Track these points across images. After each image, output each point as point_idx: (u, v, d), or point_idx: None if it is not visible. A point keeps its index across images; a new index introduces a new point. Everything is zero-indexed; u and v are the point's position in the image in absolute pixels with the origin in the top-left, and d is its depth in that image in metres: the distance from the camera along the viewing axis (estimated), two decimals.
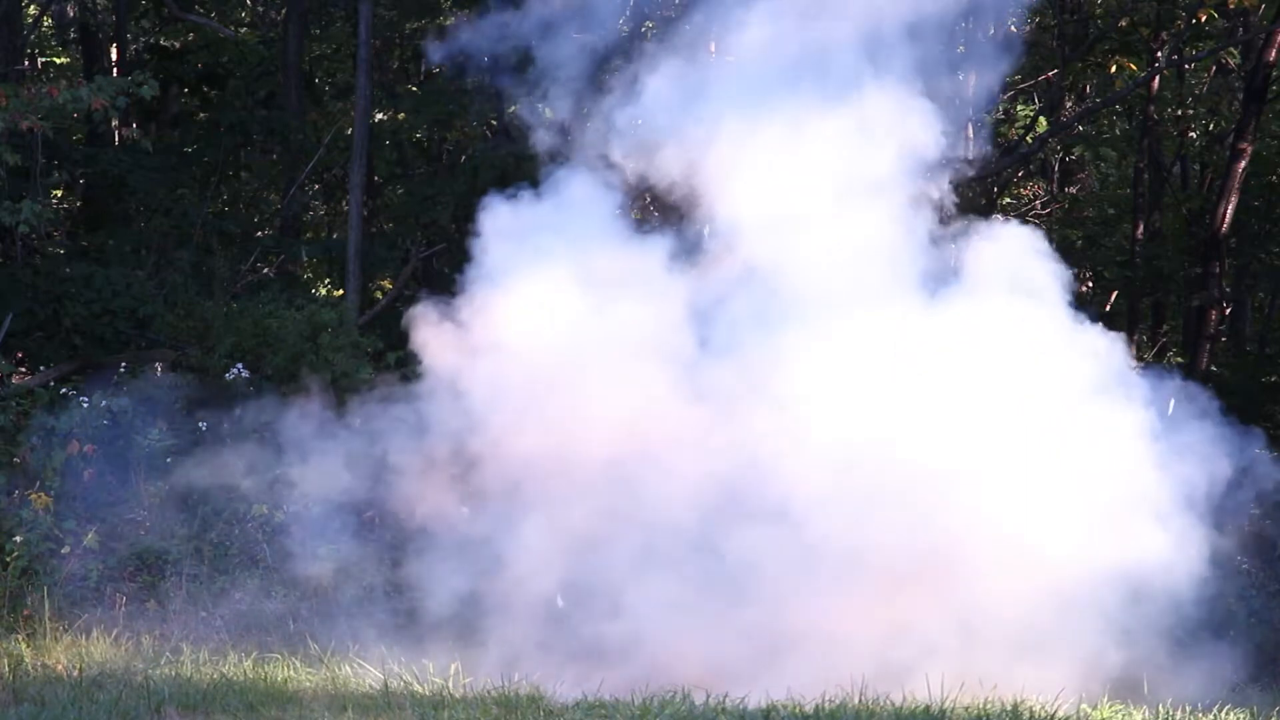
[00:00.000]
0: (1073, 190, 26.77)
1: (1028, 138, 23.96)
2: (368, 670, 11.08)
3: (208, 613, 13.68)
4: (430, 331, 13.32)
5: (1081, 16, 22.96)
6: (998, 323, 11.67)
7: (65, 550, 13.76)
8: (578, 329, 12.54)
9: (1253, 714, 10.54)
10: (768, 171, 12.11)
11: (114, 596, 13.55)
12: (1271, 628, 13.45)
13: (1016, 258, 12.08)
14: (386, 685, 10.11)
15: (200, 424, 15.48)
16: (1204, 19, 19.97)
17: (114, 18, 24.00)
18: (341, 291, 20.40)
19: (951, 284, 12.03)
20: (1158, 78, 22.56)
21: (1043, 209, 25.45)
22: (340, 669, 11.07)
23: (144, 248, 19.55)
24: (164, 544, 14.22)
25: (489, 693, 9.89)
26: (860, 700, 9.64)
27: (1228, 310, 24.32)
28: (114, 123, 21.68)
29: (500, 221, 13.27)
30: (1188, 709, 10.37)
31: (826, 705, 9.49)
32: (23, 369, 16.50)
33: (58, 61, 26.23)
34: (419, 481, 13.93)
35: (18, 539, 13.52)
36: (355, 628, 13.27)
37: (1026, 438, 11.39)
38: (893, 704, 9.65)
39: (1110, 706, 10.25)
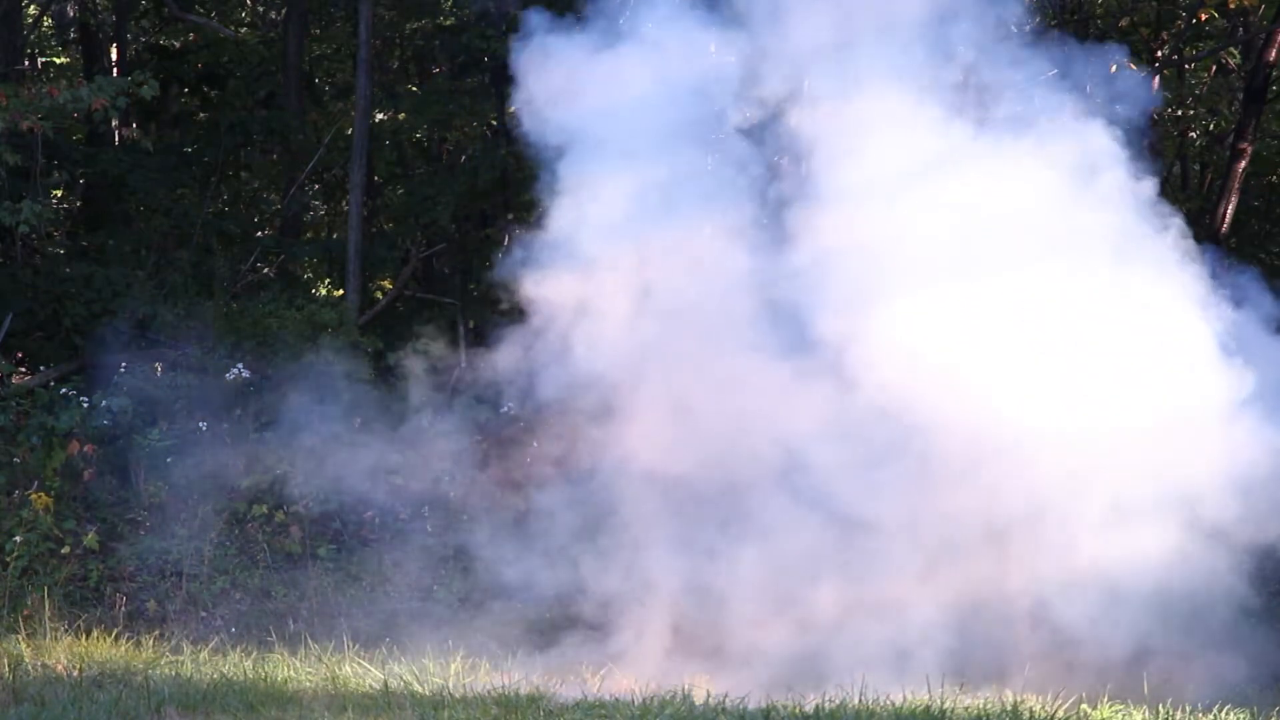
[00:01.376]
0: None
1: None
2: (368, 670, 11.08)
3: (208, 613, 13.70)
4: (539, 284, 13.09)
5: (1082, 16, 22.94)
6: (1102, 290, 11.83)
7: (65, 550, 13.77)
8: (682, 287, 12.57)
9: (1253, 714, 10.54)
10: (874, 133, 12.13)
11: (114, 596, 13.56)
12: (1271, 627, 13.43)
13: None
14: (386, 685, 10.10)
15: (200, 424, 15.49)
16: (1204, 19, 19.96)
17: (114, 18, 23.97)
18: (341, 291, 20.39)
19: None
20: (1158, 78, 22.54)
21: None
22: (340, 669, 11.07)
23: (144, 248, 19.54)
24: (164, 544, 14.24)
25: (489, 693, 9.89)
26: (860, 700, 9.64)
27: None
28: (114, 123, 21.66)
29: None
30: (1188, 709, 10.37)
31: (826, 705, 9.50)
32: (23, 369, 16.50)
33: (58, 61, 26.18)
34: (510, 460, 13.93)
35: (18, 539, 13.54)
36: (439, 623, 13.36)
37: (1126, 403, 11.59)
38: (893, 704, 9.66)
39: (1110, 706, 10.25)
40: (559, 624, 13.41)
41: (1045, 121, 12.37)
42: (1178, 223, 12.49)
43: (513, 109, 22.28)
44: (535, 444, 15.34)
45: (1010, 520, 11.86)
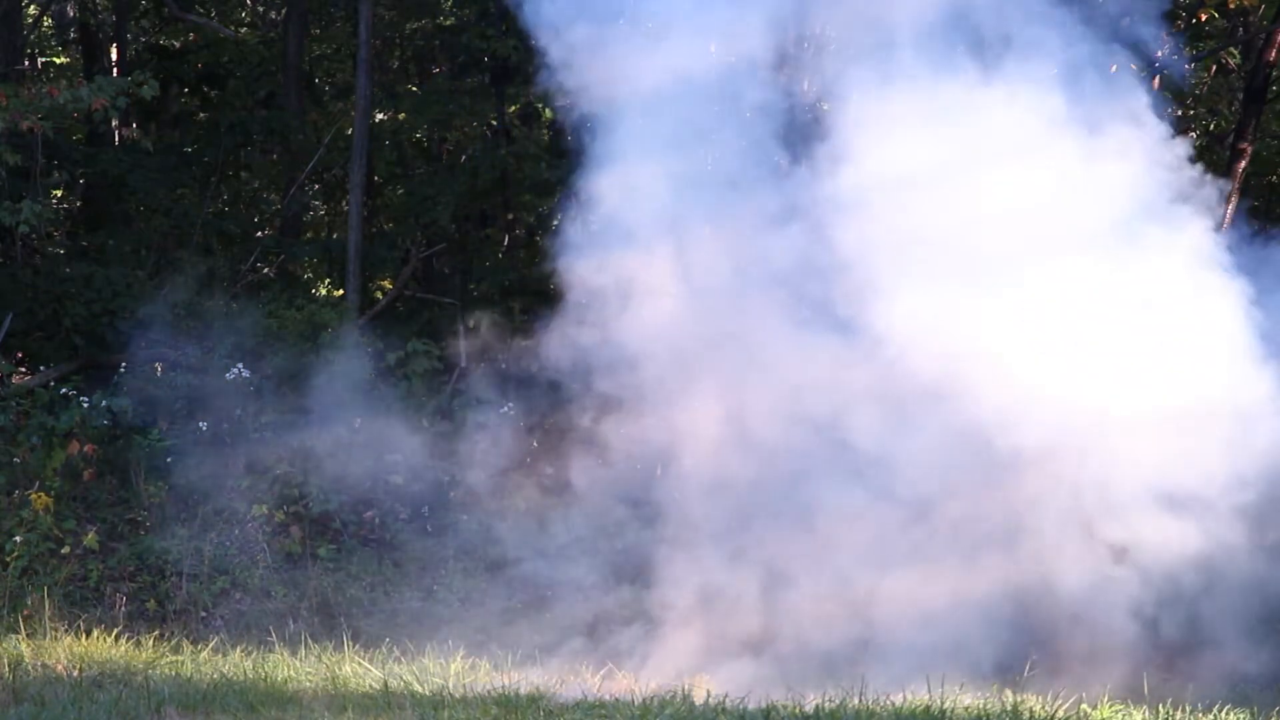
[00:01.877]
0: None
1: None
2: (368, 670, 11.09)
3: (208, 613, 13.70)
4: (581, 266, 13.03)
5: None
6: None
7: (65, 550, 13.77)
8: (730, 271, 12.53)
9: (1253, 714, 10.54)
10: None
11: (114, 596, 13.56)
12: None
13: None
14: (386, 685, 10.10)
15: (200, 424, 15.50)
16: (1204, 19, 19.95)
17: (114, 18, 23.97)
18: (341, 291, 20.39)
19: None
20: (1158, 77, 22.52)
21: None
22: (340, 669, 11.07)
23: (144, 248, 19.55)
24: (164, 544, 14.24)
25: (489, 693, 9.89)
26: (860, 700, 9.63)
27: None
28: (114, 123, 21.66)
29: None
30: (1188, 709, 10.38)
31: (826, 705, 9.49)
32: (23, 369, 16.50)
33: (58, 61, 26.17)
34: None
35: (18, 539, 13.53)
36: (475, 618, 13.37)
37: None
38: (893, 704, 9.66)
39: (1110, 706, 10.25)
40: (575, 623, 13.43)
41: (1083, 101, 12.28)
42: (1213, 191, 12.44)
43: (513, 108, 22.32)
44: (534, 443, 15.35)
45: (1049, 509, 11.88)
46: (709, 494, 12.81)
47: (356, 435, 15.01)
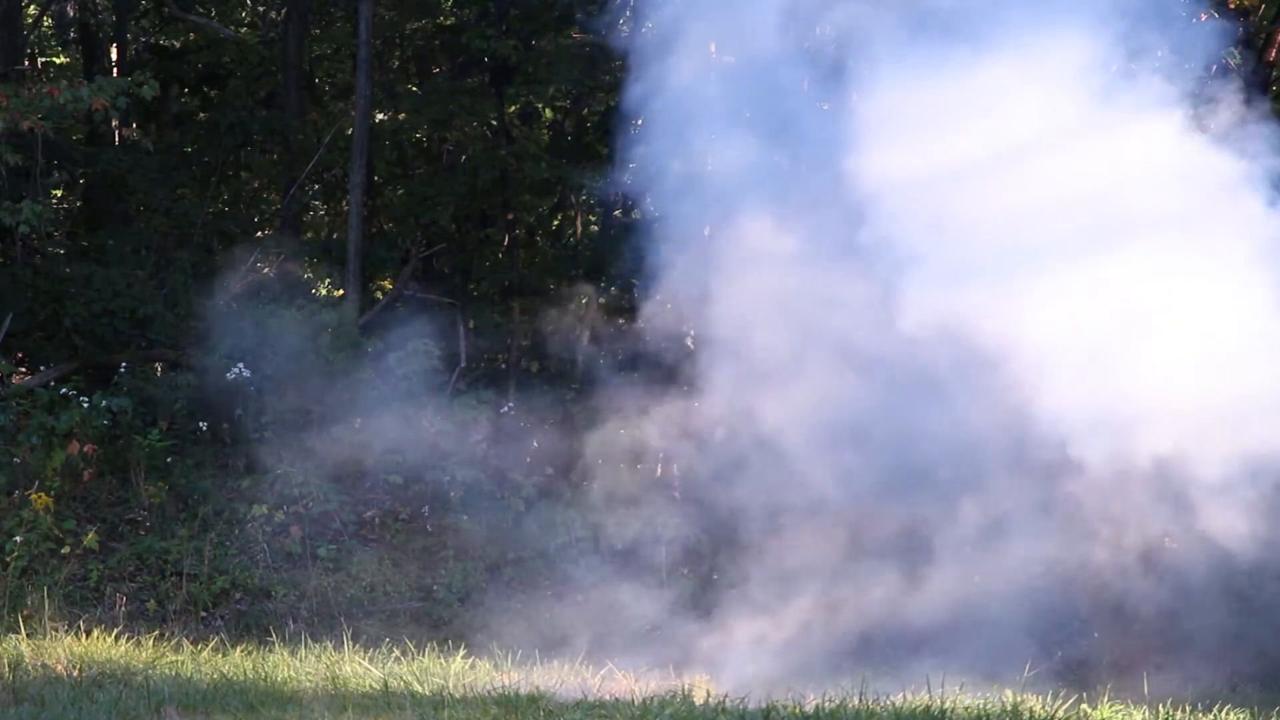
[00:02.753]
0: None
1: None
2: (368, 670, 11.09)
3: (208, 613, 13.71)
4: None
5: None
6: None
7: (65, 550, 13.77)
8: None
9: (1253, 714, 10.54)
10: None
11: (114, 596, 13.57)
12: None
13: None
14: (386, 685, 10.10)
15: (200, 424, 15.50)
16: (1204, 19, 19.94)
17: (114, 18, 23.95)
18: (341, 291, 20.39)
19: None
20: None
21: None
22: (340, 669, 11.07)
23: (144, 248, 19.54)
24: (164, 544, 14.25)
25: (489, 693, 9.89)
26: (860, 700, 9.63)
27: None
28: (114, 123, 21.65)
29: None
30: (1188, 709, 10.38)
31: (826, 705, 9.49)
32: (23, 369, 16.50)
33: (58, 61, 26.14)
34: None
35: (18, 539, 13.54)
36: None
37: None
38: (893, 704, 9.65)
39: (1110, 706, 10.25)
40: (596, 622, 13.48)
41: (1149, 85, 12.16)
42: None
43: (514, 108, 22.30)
44: (535, 442, 15.36)
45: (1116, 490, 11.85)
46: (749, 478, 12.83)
47: (357, 435, 15.01)
